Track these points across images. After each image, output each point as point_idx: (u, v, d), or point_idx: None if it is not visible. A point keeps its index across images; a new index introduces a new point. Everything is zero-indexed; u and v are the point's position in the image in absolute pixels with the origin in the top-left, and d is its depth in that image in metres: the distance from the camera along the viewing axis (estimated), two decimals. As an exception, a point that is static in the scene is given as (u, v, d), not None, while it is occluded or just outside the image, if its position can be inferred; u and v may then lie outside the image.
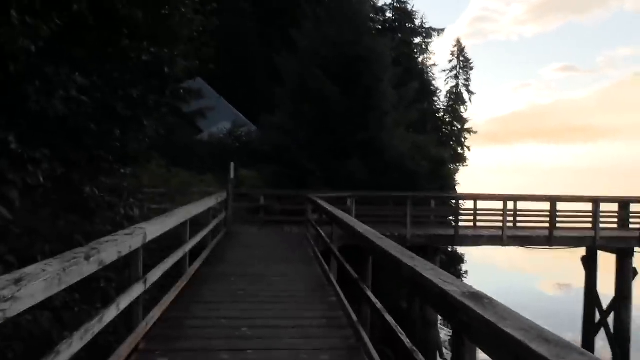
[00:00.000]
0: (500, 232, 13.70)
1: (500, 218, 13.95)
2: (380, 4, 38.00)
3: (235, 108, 27.96)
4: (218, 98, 27.30)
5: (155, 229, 4.65)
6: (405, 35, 37.83)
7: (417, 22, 40.15)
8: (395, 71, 20.02)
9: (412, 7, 39.58)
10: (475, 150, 41.43)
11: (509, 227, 14.03)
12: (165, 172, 15.88)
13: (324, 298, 6.23)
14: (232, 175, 13.26)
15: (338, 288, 6.26)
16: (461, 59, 46.04)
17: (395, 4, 39.63)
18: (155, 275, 4.69)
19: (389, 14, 39.78)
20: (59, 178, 4.85)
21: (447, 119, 43.19)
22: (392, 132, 18.12)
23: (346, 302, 5.58)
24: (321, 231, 8.74)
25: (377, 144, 17.47)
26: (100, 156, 5.46)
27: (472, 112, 45.43)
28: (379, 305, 3.94)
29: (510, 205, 14.34)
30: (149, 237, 4.40)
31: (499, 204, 14.20)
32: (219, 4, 7.72)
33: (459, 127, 42.77)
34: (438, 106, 42.44)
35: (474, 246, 14.24)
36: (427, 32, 40.94)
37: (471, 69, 45.88)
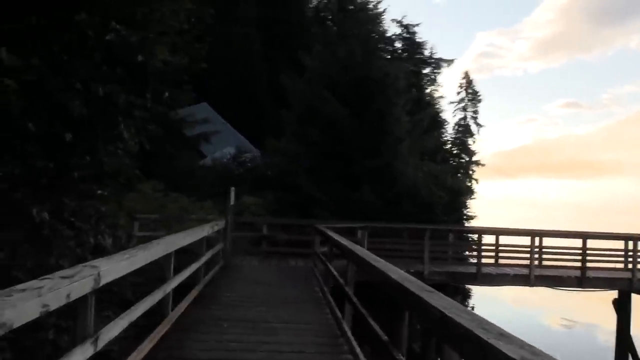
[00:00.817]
0: (526, 271, 12.38)
1: (526, 255, 12.68)
2: (389, 34, 37.68)
3: (241, 133, 27.22)
4: (224, 123, 26.59)
5: (118, 266, 3.46)
6: (415, 65, 37.22)
7: (427, 52, 39.75)
8: (409, 97, 18.99)
9: (421, 38, 39.33)
10: (481, 182, 40.42)
11: (536, 266, 12.70)
12: (162, 196, 14.82)
13: (337, 355, 4.95)
14: (232, 201, 11.93)
15: (355, 344, 4.98)
16: (469, 91, 45.27)
17: (404, 34, 39.33)
18: (113, 330, 3.46)
19: (397, 44, 39.44)
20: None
21: (455, 151, 42.30)
22: (407, 159, 16.93)
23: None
24: (332, 268, 7.46)
25: (390, 171, 16.26)
26: (47, 170, 4.15)
27: (478, 145, 44.39)
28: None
29: (536, 241, 13.06)
30: (107, 279, 3.20)
31: (522, 240, 12.95)
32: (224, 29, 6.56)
33: (467, 159, 41.87)
34: (446, 138, 41.64)
35: (498, 285, 12.86)
36: (437, 63, 40.53)
37: (479, 101, 45.07)
